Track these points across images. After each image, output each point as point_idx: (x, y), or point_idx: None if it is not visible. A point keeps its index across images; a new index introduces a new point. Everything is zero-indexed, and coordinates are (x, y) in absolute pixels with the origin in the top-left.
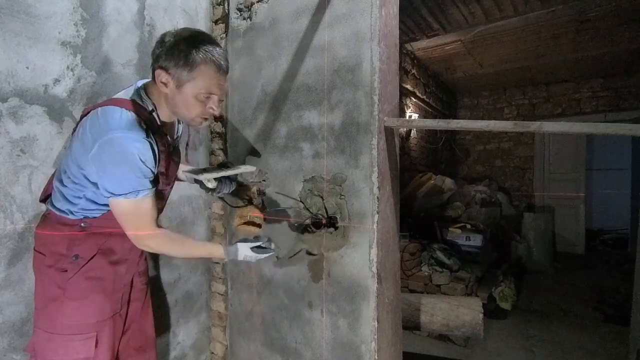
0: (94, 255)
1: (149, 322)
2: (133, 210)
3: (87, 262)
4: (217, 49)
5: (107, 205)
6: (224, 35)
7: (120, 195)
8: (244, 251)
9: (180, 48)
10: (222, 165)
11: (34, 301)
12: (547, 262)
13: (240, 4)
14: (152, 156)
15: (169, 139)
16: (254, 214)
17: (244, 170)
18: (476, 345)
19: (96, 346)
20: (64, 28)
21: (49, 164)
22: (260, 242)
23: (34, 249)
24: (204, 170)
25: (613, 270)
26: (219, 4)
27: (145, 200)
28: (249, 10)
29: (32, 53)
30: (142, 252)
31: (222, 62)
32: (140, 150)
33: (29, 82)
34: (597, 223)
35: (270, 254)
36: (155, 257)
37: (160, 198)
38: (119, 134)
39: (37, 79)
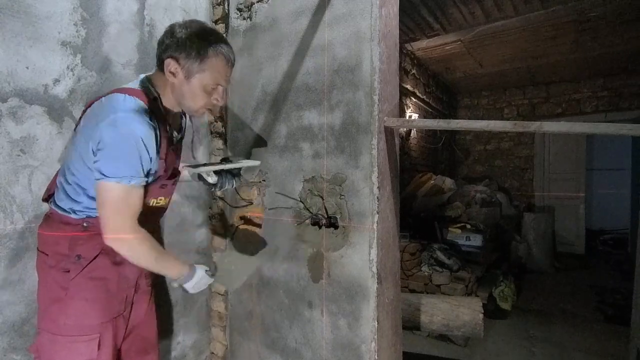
0: (97, 255)
1: (152, 324)
2: (122, 198)
3: (89, 263)
4: (226, 43)
5: None
6: (224, 35)
7: (112, 177)
8: (200, 274)
9: (193, 40)
10: (225, 160)
11: (38, 302)
12: (547, 262)
13: (240, 4)
14: (155, 141)
15: (173, 130)
16: (254, 214)
17: (247, 164)
18: (476, 345)
19: (99, 348)
20: (64, 28)
21: (49, 164)
22: (207, 268)
23: (37, 248)
24: (205, 165)
25: (613, 270)
26: (219, 4)
27: (135, 190)
28: (249, 10)
29: (32, 53)
30: None
31: (231, 55)
32: (144, 133)
33: (29, 82)
34: (597, 223)
35: (211, 281)
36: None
37: (164, 194)
38: (124, 114)
39: (37, 79)
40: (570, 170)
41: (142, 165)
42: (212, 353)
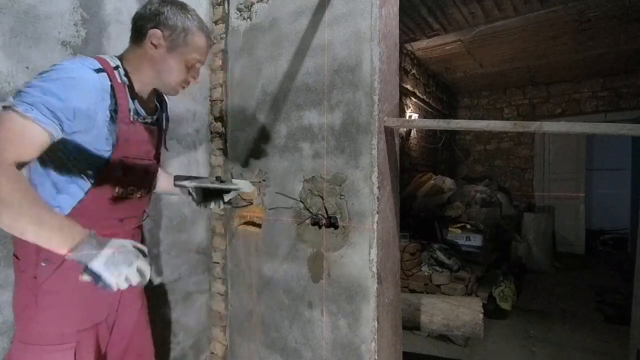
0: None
1: (147, 330)
2: (8, 126)
3: (59, 267)
4: (205, 24)
5: (76, 192)
6: (224, 35)
7: (13, 101)
8: (115, 244)
9: (177, 15)
10: (217, 179)
11: (12, 309)
12: (547, 262)
13: (240, 4)
14: (96, 92)
15: (140, 107)
16: (254, 214)
17: (240, 188)
18: (476, 345)
19: (75, 358)
20: (64, 28)
21: None
22: (135, 244)
23: (13, 252)
24: (195, 178)
25: (613, 270)
26: (219, 4)
27: (29, 126)
28: (249, 10)
29: (32, 53)
30: None
31: (210, 34)
32: (85, 79)
33: None
34: (597, 223)
35: (141, 262)
36: (155, 257)
37: (140, 184)
38: (72, 62)
39: None
40: (570, 170)
41: (58, 106)
42: (212, 353)
